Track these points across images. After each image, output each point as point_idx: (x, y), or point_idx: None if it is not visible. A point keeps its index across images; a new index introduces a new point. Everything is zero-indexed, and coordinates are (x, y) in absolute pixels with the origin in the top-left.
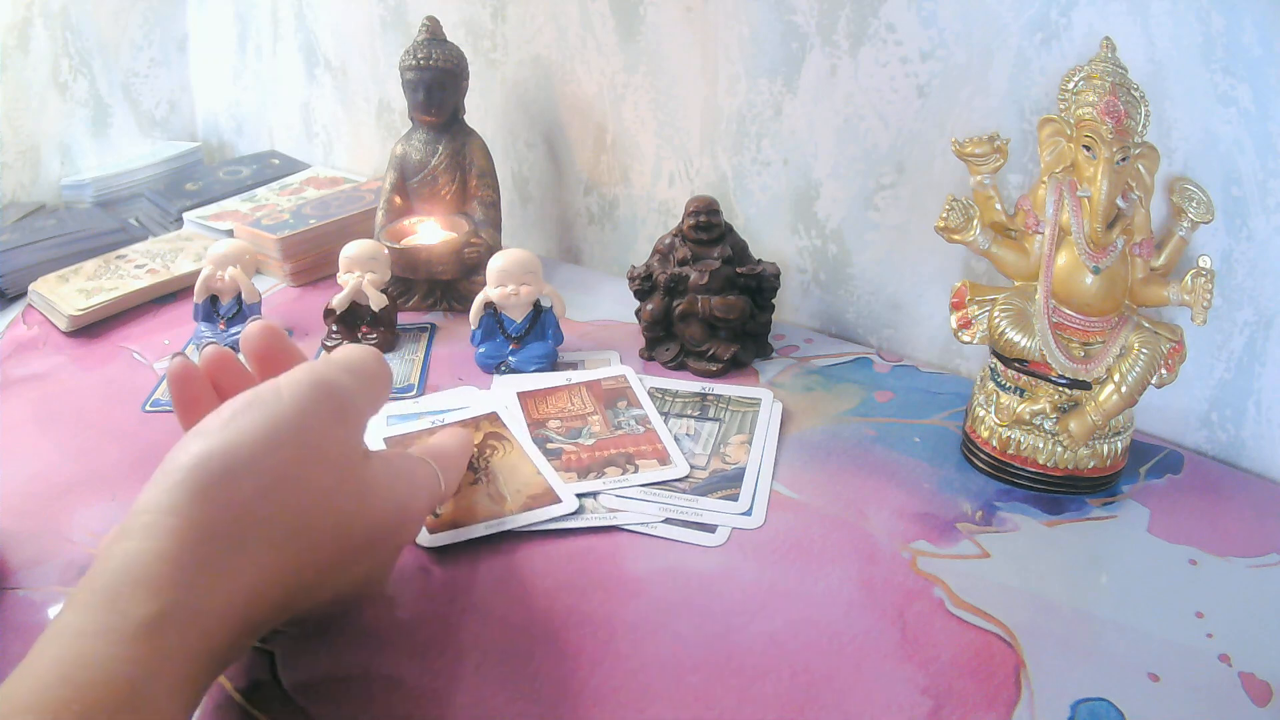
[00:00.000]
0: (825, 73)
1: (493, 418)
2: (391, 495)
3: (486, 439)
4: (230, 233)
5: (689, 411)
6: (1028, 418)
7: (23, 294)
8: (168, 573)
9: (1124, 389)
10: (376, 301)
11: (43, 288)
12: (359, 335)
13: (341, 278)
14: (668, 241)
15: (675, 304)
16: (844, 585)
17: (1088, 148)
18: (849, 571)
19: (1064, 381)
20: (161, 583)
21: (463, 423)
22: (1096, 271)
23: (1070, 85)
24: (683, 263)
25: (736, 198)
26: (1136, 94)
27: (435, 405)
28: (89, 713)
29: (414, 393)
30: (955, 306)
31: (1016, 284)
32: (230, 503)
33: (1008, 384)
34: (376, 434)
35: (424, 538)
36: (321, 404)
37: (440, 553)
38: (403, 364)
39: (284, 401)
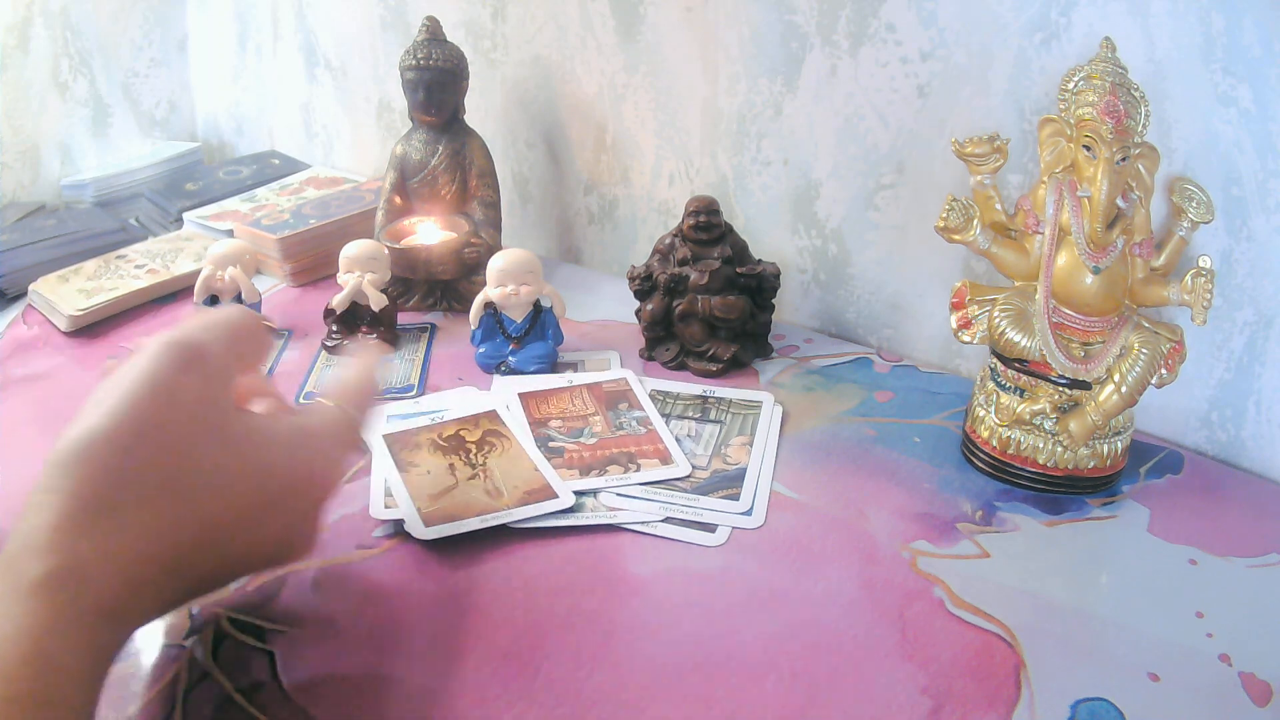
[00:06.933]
0: (825, 73)
1: (492, 415)
2: (285, 450)
3: (485, 436)
4: (230, 233)
5: (690, 413)
6: (1028, 418)
7: (23, 294)
8: (53, 539)
9: (1124, 389)
10: (376, 301)
11: (43, 288)
12: (359, 335)
13: (341, 278)
14: (668, 241)
15: (675, 304)
16: (844, 585)
17: (1088, 148)
18: (849, 571)
19: (1064, 381)
20: (47, 548)
21: (462, 420)
22: (1096, 271)
23: (1070, 85)
24: (683, 263)
25: (736, 198)
26: (1136, 94)
27: (435, 405)
28: None
29: (414, 393)
30: (955, 306)
31: (1016, 284)
32: (94, 474)
33: (1008, 384)
34: (376, 434)
35: (419, 530)
36: (169, 357)
37: (441, 553)
38: (403, 364)
39: (135, 368)
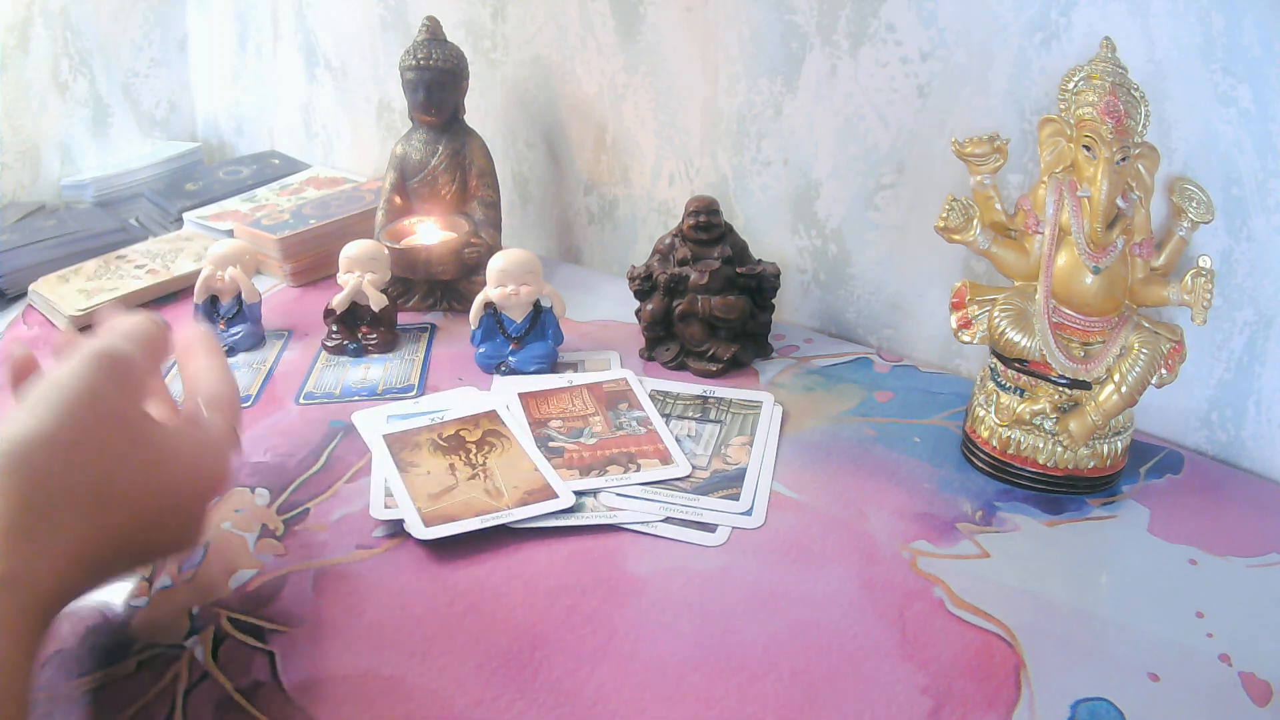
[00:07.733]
0: (825, 73)
1: (492, 415)
2: (184, 457)
3: (485, 436)
4: (230, 233)
5: (690, 413)
6: (1028, 418)
7: (23, 294)
8: (2, 543)
9: (1124, 389)
10: (376, 301)
11: (43, 288)
12: (359, 335)
13: (341, 278)
14: (668, 241)
15: (675, 304)
16: (844, 585)
17: (1088, 148)
18: (849, 571)
19: (1064, 381)
20: None
21: (462, 420)
22: (1096, 271)
23: (1070, 85)
24: (683, 263)
25: (736, 198)
26: (1136, 94)
27: (435, 405)
28: None
29: (414, 393)
30: (955, 306)
31: (1016, 284)
32: (37, 479)
33: (1008, 384)
34: (376, 434)
35: (419, 530)
36: (104, 372)
37: (441, 553)
38: (403, 364)
39: (71, 375)
